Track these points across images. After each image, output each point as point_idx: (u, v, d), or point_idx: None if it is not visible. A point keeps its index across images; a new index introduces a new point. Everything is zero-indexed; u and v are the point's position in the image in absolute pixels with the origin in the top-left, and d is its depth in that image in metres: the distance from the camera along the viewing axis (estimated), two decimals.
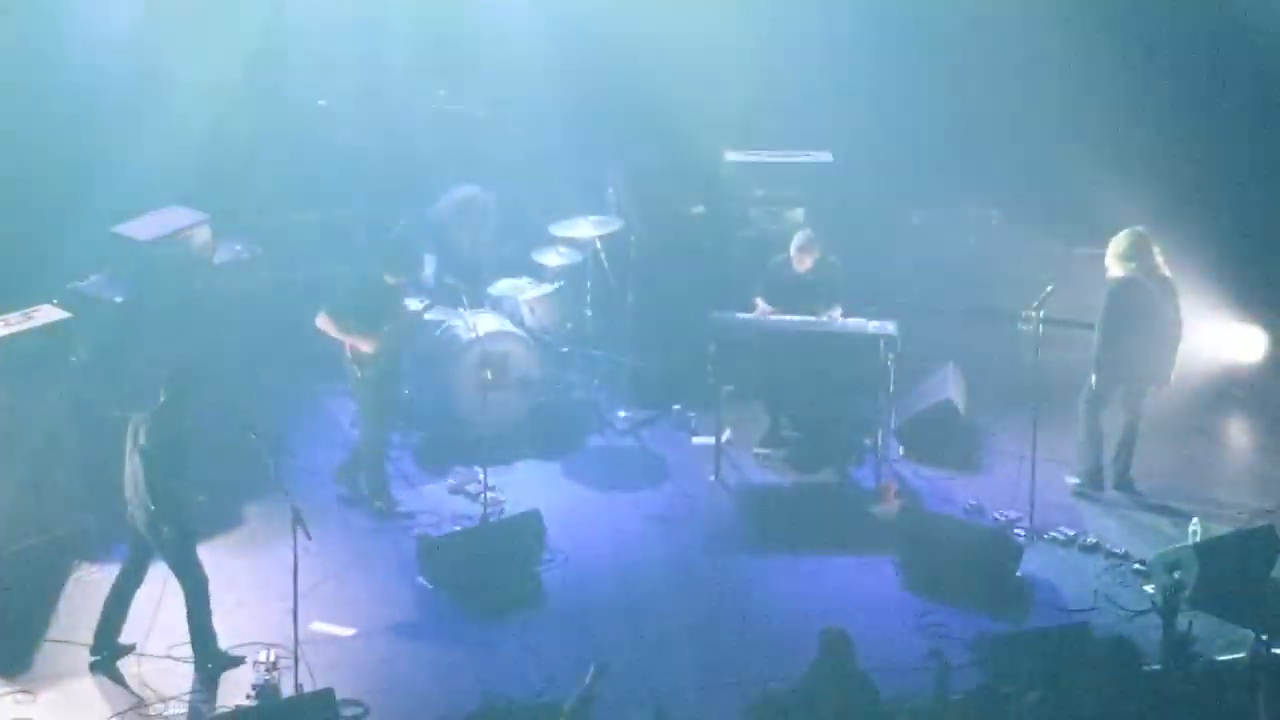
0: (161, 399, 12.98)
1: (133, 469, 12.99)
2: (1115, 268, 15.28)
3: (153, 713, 12.89)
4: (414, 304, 16.25)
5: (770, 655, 13.44)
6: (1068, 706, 11.57)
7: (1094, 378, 15.45)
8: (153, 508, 12.87)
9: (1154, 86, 17.88)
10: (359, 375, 15.07)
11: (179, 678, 13.17)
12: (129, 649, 13.36)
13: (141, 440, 12.89)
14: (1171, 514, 15.57)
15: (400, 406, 16.01)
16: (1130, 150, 17.88)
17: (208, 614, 13.20)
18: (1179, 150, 17.76)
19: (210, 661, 13.18)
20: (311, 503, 14.89)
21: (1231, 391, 17.29)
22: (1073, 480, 15.79)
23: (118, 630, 13.33)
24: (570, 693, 12.64)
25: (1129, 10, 18.25)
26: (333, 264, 17.71)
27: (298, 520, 12.71)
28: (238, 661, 13.18)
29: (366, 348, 15.04)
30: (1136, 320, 15.23)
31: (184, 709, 12.92)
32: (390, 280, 15.16)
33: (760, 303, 16.17)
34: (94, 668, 13.24)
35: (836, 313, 16.07)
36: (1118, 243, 15.30)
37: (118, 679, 13.14)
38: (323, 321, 15.03)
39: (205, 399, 13.21)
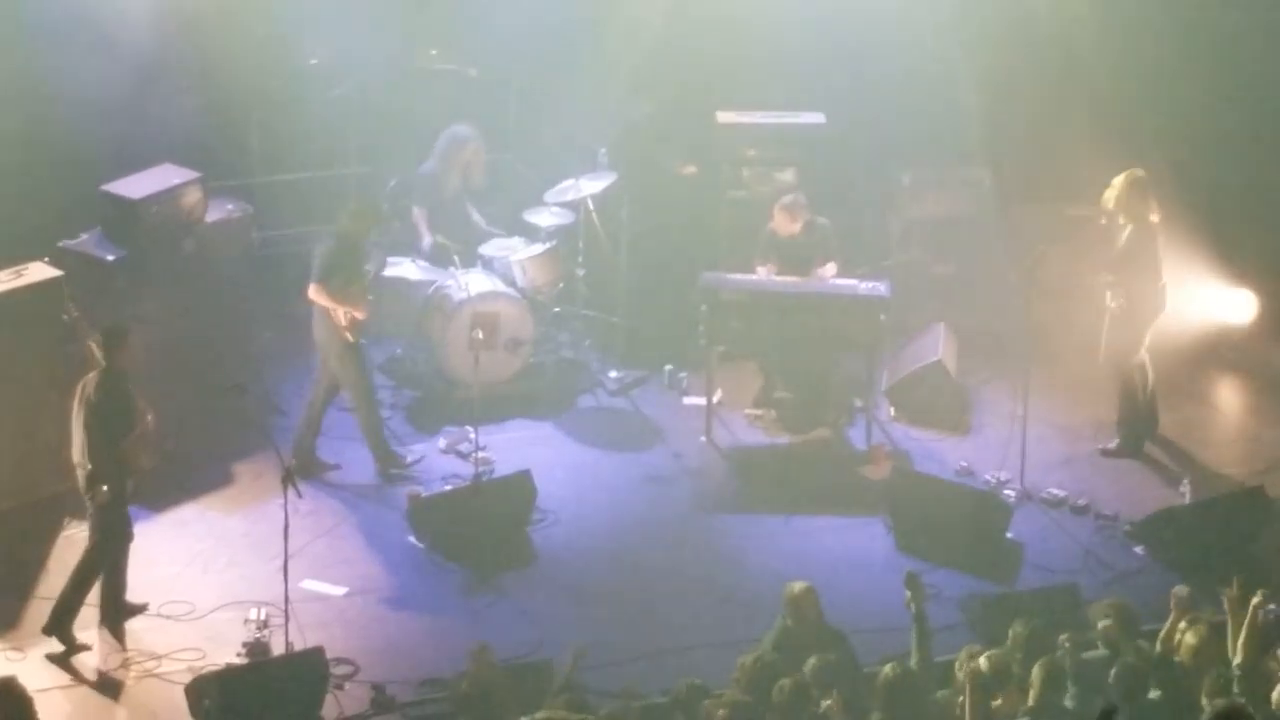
0: (101, 361, 12.94)
1: (76, 430, 12.93)
2: (1152, 210, 15.27)
3: (143, 670, 12.91)
4: (413, 269, 16.30)
5: (761, 615, 13.42)
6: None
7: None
8: (89, 466, 12.82)
9: (1147, 46, 17.81)
10: (351, 341, 15.03)
11: (169, 635, 13.20)
12: (140, 608, 13.36)
13: (85, 407, 12.85)
14: (1162, 476, 15.59)
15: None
16: (1122, 113, 17.82)
17: (88, 587, 13.11)
18: (1171, 112, 17.71)
19: (58, 632, 13.06)
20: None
21: (1223, 354, 17.27)
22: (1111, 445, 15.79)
23: (122, 593, 13.31)
24: (559, 656, 12.71)
25: None
26: (324, 223, 17.67)
27: (289, 479, 12.71)
28: (79, 647, 13.05)
29: (360, 312, 15.02)
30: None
31: (174, 666, 12.92)
32: (362, 235, 15.13)
33: (760, 268, 16.14)
34: (86, 627, 13.24)
35: (829, 270, 16.05)
36: (1143, 184, 15.28)
37: (107, 637, 13.14)
38: (315, 292, 14.96)
39: (173, 361, 13.15)
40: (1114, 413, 15.88)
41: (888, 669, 11.31)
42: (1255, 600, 11.36)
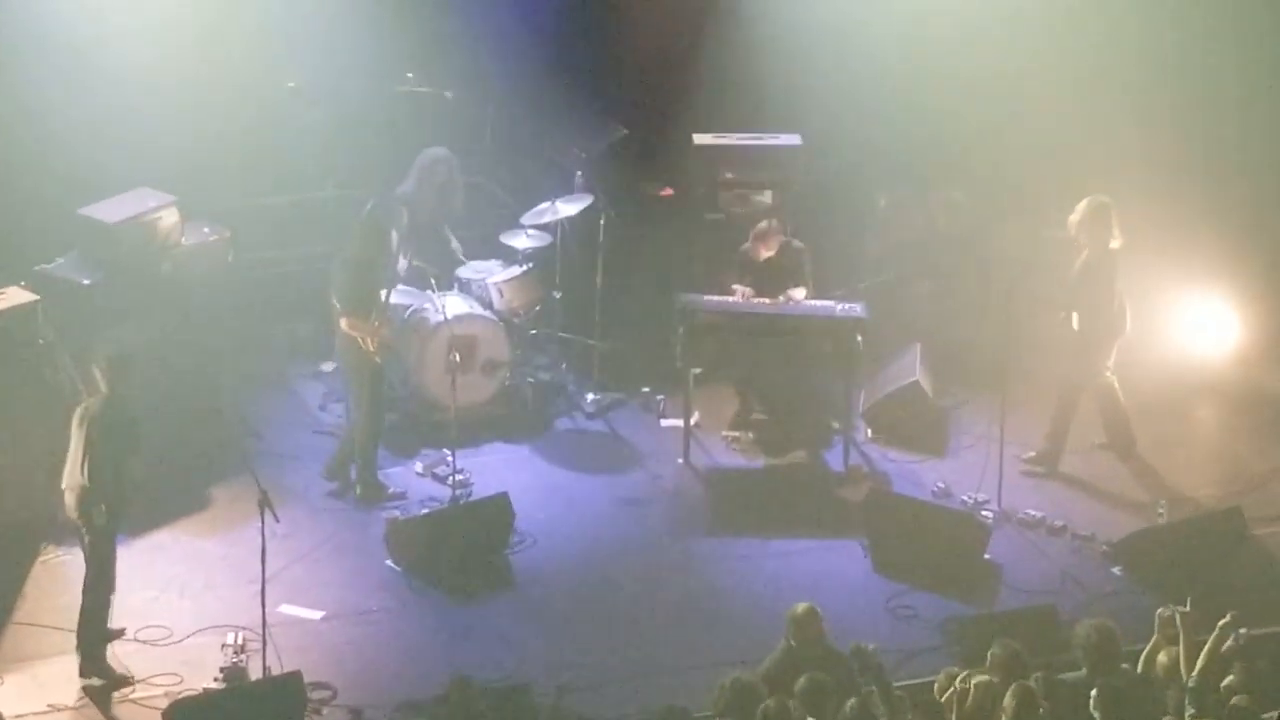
0: (104, 388, 12.89)
1: (76, 452, 12.85)
2: (1113, 237, 15.36)
3: (120, 695, 12.87)
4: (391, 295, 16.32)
5: (739, 637, 13.45)
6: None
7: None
8: (87, 484, 12.75)
9: (1128, 66, 17.86)
10: (378, 362, 15.03)
11: (146, 660, 13.15)
12: (118, 633, 13.30)
13: (88, 426, 12.79)
14: (1139, 496, 15.61)
15: None
16: (1103, 133, 17.87)
17: (101, 617, 13.03)
18: (1154, 131, 17.75)
19: (96, 674, 12.96)
20: (280, 485, 14.89)
21: (1202, 374, 17.30)
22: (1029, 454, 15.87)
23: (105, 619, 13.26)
24: (538, 679, 12.71)
25: None
26: (300, 246, 17.69)
27: (265, 503, 12.69)
28: (124, 682, 12.96)
29: (388, 331, 15.05)
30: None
31: (151, 691, 12.88)
32: (376, 255, 15.15)
33: (738, 287, 16.15)
34: (64, 652, 13.20)
35: (799, 294, 16.07)
36: (1105, 210, 15.35)
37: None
38: (348, 324, 14.96)
39: (150, 385, 13.10)
40: (1094, 434, 15.96)
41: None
42: (1223, 621, 11.40)
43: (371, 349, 14.96)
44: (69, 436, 12.93)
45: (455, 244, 17.04)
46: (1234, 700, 11.13)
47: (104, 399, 12.86)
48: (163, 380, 15.30)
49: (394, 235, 16.41)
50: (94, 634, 12.99)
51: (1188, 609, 11.57)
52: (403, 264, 16.65)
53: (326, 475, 15.46)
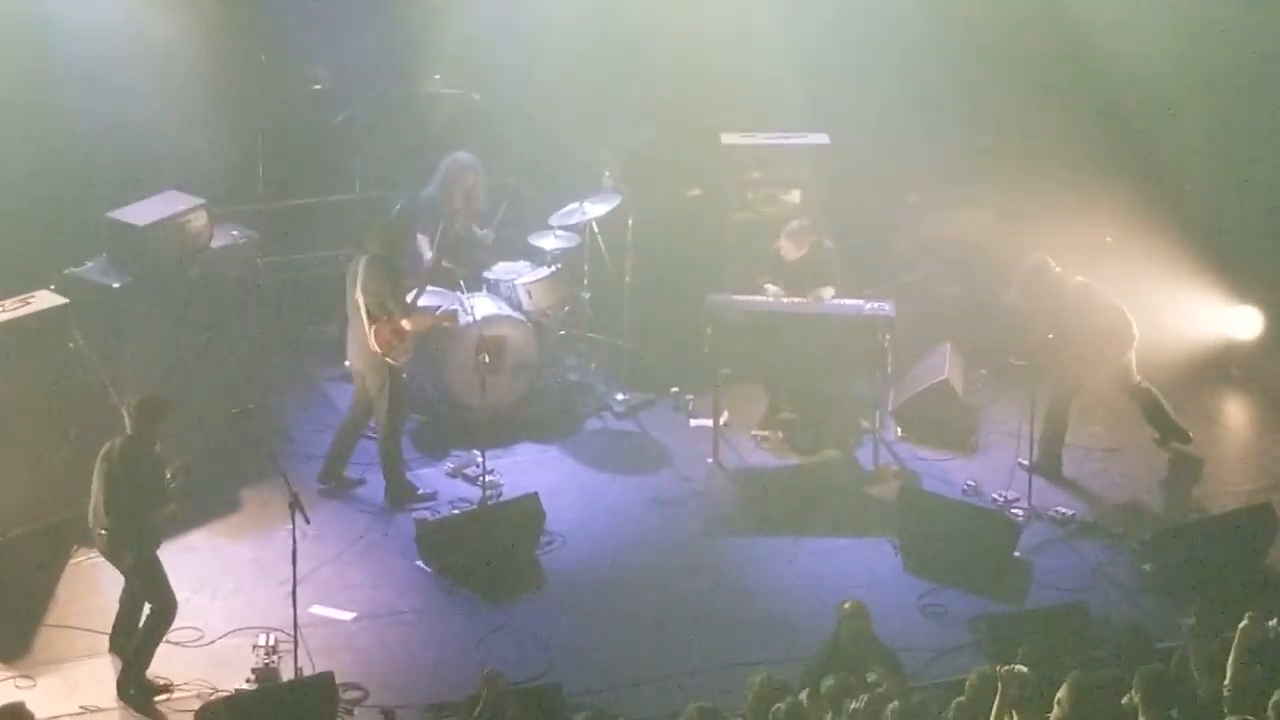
0: (129, 429, 12.79)
1: (98, 492, 12.80)
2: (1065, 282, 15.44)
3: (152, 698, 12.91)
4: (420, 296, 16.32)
5: (771, 636, 13.46)
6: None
7: None
8: (112, 527, 12.71)
9: (1153, 65, 17.83)
10: (394, 364, 15.05)
11: (178, 662, 13.16)
12: (166, 688, 13.17)
13: (110, 464, 12.74)
14: (1170, 493, 15.58)
15: None
16: (1129, 131, 17.85)
17: (159, 639, 12.97)
18: (1177, 130, 17.73)
19: (136, 687, 12.93)
20: (310, 487, 14.94)
21: (1229, 371, 17.27)
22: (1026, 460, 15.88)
23: (136, 621, 13.26)
24: (569, 679, 12.72)
25: None
26: (329, 248, 17.72)
27: (296, 504, 12.70)
28: (161, 690, 12.93)
29: (409, 324, 15.07)
30: None
31: (183, 693, 12.91)
32: (398, 254, 15.19)
33: (770, 287, 16.14)
34: (96, 654, 13.23)
35: (827, 293, 16.05)
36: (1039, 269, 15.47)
37: (117, 664, 13.11)
38: (411, 324, 15.01)
39: (177, 427, 13.07)
40: (1124, 430, 15.92)
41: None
42: (1242, 624, 11.38)
43: (394, 344, 14.93)
44: (102, 437, 12.93)
45: (483, 233, 17.01)
46: (1275, 698, 11.07)
47: (127, 439, 12.74)
48: (191, 383, 15.35)
49: (420, 238, 16.43)
50: (142, 653, 12.96)
51: (1194, 620, 11.58)
52: (427, 256, 16.58)
53: (321, 479, 15.42)
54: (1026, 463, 15.54)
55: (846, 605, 12.41)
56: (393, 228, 15.51)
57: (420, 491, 15.41)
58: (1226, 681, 11.30)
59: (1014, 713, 11.12)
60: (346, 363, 15.58)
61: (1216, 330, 17.18)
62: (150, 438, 12.77)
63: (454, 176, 16.94)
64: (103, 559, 13.28)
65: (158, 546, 12.95)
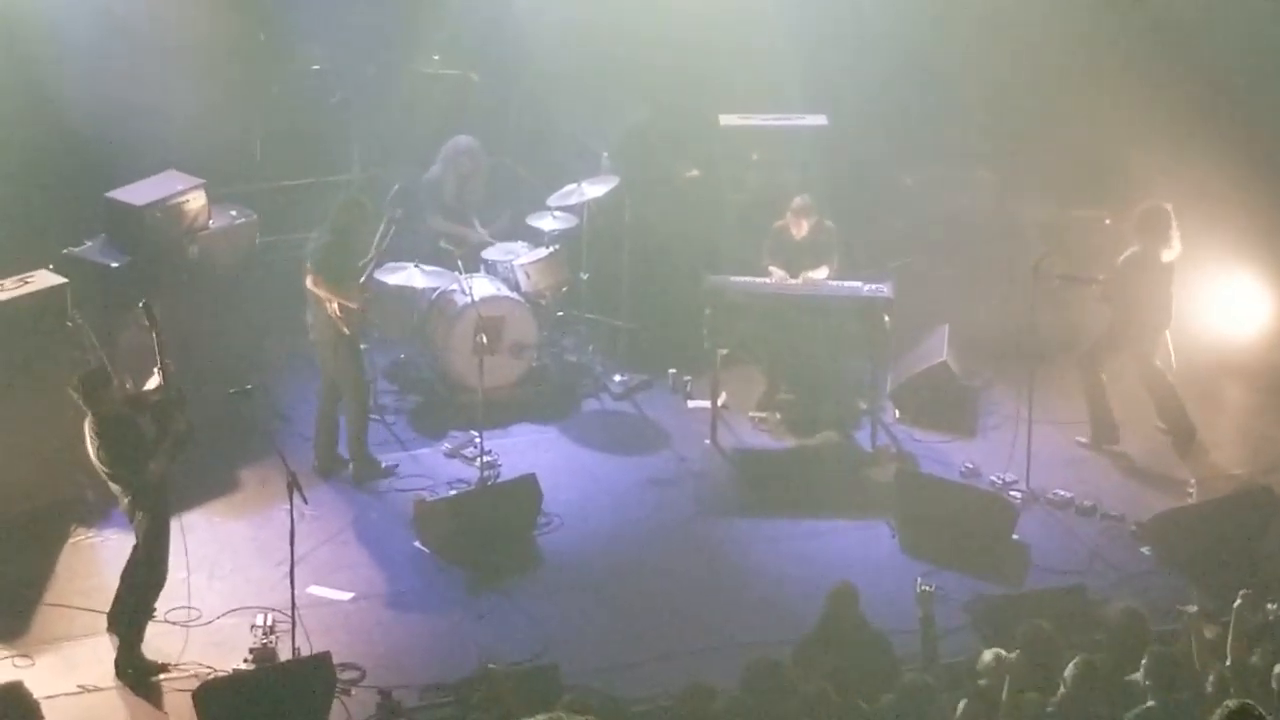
0: (87, 410, 12.63)
1: (96, 466, 12.78)
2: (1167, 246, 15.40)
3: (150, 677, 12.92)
4: (417, 275, 16.29)
5: (767, 617, 13.47)
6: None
7: None
8: (126, 499, 12.72)
9: (1157, 47, 17.81)
10: (346, 333, 15.03)
11: (176, 642, 13.18)
12: (150, 614, 13.26)
13: (95, 449, 12.67)
14: (1169, 476, 15.58)
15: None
16: (1130, 113, 17.83)
17: (149, 608, 12.99)
18: (1182, 111, 17.71)
19: (132, 666, 12.91)
20: (307, 467, 14.94)
21: (1231, 354, 17.26)
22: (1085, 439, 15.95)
23: None
24: (566, 659, 12.73)
25: None
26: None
27: (294, 485, 12.70)
28: (159, 669, 12.94)
29: (354, 303, 15.03)
30: None
31: (181, 673, 12.92)
32: (354, 226, 15.13)
33: (775, 269, 16.13)
34: (94, 633, 13.25)
35: (821, 273, 16.05)
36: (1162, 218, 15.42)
37: (116, 643, 13.10)
38: (313, 283, 15.00)
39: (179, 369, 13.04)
40: (1122, 413, 15.94)
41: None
42: (1237, 603, 11.41)
43: (337, 314, 14.93)
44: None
45: (480, 230, 17.04)
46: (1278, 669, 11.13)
47: (92, 420, 12.63)
48: (190, 363, 15.33)
49: (430, 219, 16.42)
50: (134, 628, 12.98)
51: (1195, 609, 11.61)
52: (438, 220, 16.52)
53: (320, 469, 15.41)
54: (1086, 440, 15.58)
55: (836, 587, 12.41)
56: (341, 206, 15.41)
57: (385, 466, 15.41)
58: (1228, 663, 11.34)
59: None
60: (310, 336, 15.55)
61: (1219, 315, 17.12)
62: (108, 405, 12.65)
63: (452, 159, 16.97)
64: (101, 537, 13.26)
65: (169, 495, 12.91)
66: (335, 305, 14.94)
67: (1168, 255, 15.37)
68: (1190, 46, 17.79)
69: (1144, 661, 11.26)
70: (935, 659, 11.96)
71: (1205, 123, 17.64)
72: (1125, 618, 12.19)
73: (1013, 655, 11.52)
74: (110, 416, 12.66)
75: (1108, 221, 17.64)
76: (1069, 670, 11.20)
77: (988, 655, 11.61)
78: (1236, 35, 17.79)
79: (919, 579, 12.25)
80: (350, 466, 15.37)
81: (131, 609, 12.97)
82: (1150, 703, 11.11)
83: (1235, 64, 17.84)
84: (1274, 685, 11.03)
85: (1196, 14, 17.76)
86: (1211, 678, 11.29)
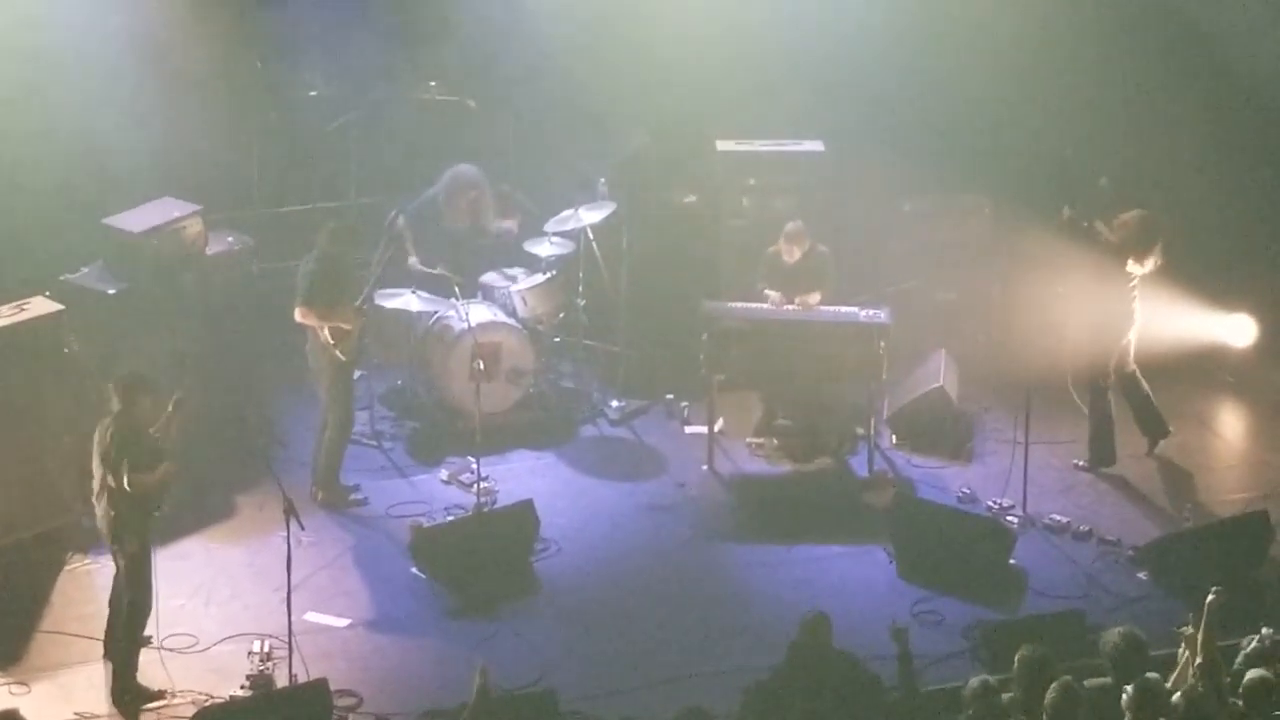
0: (115, 406, 12.76)
1: (95, 472, 12.78)
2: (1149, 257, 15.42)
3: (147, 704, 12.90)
4: (414, 300, 16.28)
5: (764, 643, 13.42)
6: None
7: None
8: (113, 513, 12.70)
9: (1146, 71, 17.86)
10: (342, 359, 15.03)
11: (173, 669, 13.13)
12: (145, 640, 13.26)
13: (103, 445, 12.72)
14: (1165, 501, 15.58)
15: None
16: (1122, 138, 17.86)
17: (139, 637, 12.97)
18: (1171, 136, 17.75)
19: (128, 692, 12.90)
20: (304, 493, 14.93)
21: (1223, 378, 17.28)
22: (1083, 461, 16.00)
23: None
24: (563, 686, 12.71)
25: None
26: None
27: (290, 511, 12.69)
28: (155, 697, 12.92)
29: (348, 325, 15.03)
30: None
31: (178, 699, 12.89)
32: (342, 254, 15.12)
33: (771, 293, 16.13)
34: (90, 660, 13.23)
35: (814, 299, 16.06)
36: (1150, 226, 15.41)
37: (111, 670, 13.08)
38: (302, 314, 14.99)
39: (162, 405, 13.01)
40: (1119, 438, 15.93)
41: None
42: (1210, 598, 11.46)
43: (330, 341, 14.93)
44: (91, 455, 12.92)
45: (506, 225, 17.04)
46: (1248, 676, 11.24)
47: (115, 416, 12.72)
48: (187, 389, 15.33)
49: (400, 219, 16.39)
50: (128, 655, 12.97)
51: (1190, 629, 11.64)
52: (414, 261, 16.57)
53: (324, 502, 15.38)
54: (1083, 463, 15.61)
55: (808, 616, 12.35)
56: (331, 231, 15.40)
57: (352, 498, 15.40)
58: (1198, 661, 11.40)
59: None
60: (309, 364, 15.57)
61: (1210, 337, 17.15)
62: (136, 414, 12.70)
63: (456, 190, 16.97)
64: (97, 564, 13.27)
65: (151, 524, 12.89)
66: (326, 332, 14.94)
67: (1145, 268, 15.39)
68: (1191, 74, 17.83)
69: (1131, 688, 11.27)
70: (915, 692, 11.92)
71: (1203, 146, 17.69)
72: (1123, 641, 12.17)
73: (999, 681, 11.49)
74: (132, 425, 12.69)
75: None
76: (1050, 692, 11.17)
77: (974, 682, 11.58)
78: (1237, 57, 17.83)
79: (894, 620, 12.17)
80: (319, 494, 15.31)
81: (121, 639, 12.95)
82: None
83: (1235, 87, 17.88)
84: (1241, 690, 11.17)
85: (1197, 39, 17.79)
86: (1175, 674, 11.41)
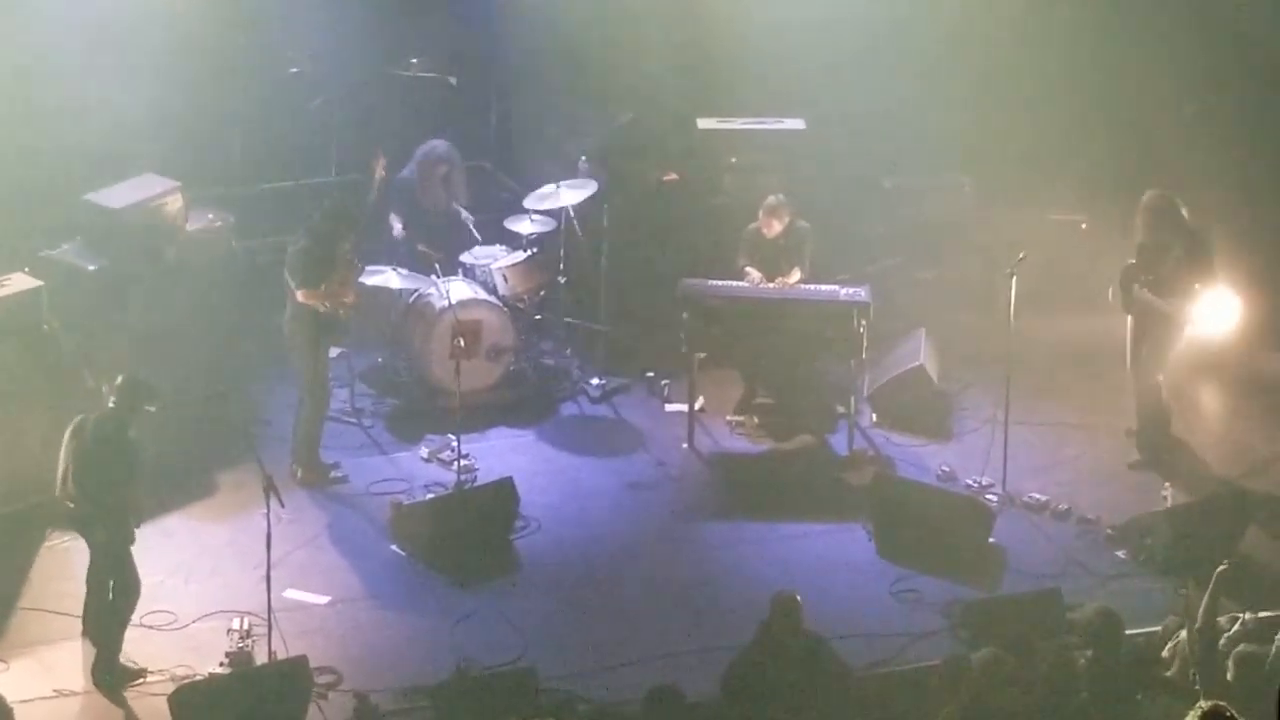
0: (111, 405, 12.74)
1: (67, 464, 12.74)
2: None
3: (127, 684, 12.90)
4: (394, 278, 16.28)
5: (744, 621, 13.42)
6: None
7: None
8: (82, 503, 12.69)
9: (1131, 51, 17.87)
10: (340, 315, 15.03)
11: (152, 646, 13.15)
12: (139, 673, 13.06)
13: (82, 438, 12.69)
14: (1144, 480, 15.60)
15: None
16: (1105, 118, 17.88)
17: (126, 621, 12.96)
18: (1155, 117, 17.77)
19: (109, 672, 12.89)
20: (284, 471, 14.92)
21: (1206, 359, 17.29)
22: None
23: (105, 605, 13.21)
24: (542, 663, 12.73)
25: None
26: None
27: (270, 488, 12.68)
28: (136, 676, 12.91)
29: (350, 297, 15.03)
30: None
31: (157, 677, 12.90)
32: (337, 234, 15.10)
33: (751, 271, 16.12)
34: (69, 637, 13.23)
35: (794, 277, 16.05)
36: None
37: (90, 648, 13.08)
38: (305, 296, 14.94)
39: (155, 411, 12.99)
40: (1097, 416, 15.95)
41: None
42: (1220, 568, 11.52)
43: (320, 320, 14.92)
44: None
45: (466, 216, 17.04)
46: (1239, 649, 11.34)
47: (104, 416, 12.69)
48: (167, 365, 15.33)
49: (391, 216, 16.40)
50: (114, 636, 12.95)
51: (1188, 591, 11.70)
52: (397, 229, 16.56)
53: (304, 481, 15.37)
54: (1139, 456, 15.66)
55: (780, 596, 12.35)
56: (326, 213, 15.36)
57: (333, 475, 15.39)
58: (1198, 625, 11.49)
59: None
60: (338, 350, 15.58)
61: (1195, 319, 17.15)
62: (128, 418, 12.71)
63: (428, 164, 16.96)
64: (77, 541, 13.25)
65: (137, 525, 12.93)
66: (329, 305, 14.94)
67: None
68: (1174, 51, 17.83)
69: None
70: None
71: (1187, 127, 17.70)
72: (1100, 619, 12.24)
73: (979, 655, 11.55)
74: (126, 424, 12.66)
75: (1084, 225, 17.71)
76: (975, 659, 11.26)
77: (985, 653, 11.65)
78: (1222, 37, 17.83)
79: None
80: (299, 472, 15.30)
81: (108, 620, 12.93)
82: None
83: (1222, 68, 17.89)
84: (1231, 664, 11.27)
85: (1179, 19, 17.79)
86: (1172, 643, 11.46)
